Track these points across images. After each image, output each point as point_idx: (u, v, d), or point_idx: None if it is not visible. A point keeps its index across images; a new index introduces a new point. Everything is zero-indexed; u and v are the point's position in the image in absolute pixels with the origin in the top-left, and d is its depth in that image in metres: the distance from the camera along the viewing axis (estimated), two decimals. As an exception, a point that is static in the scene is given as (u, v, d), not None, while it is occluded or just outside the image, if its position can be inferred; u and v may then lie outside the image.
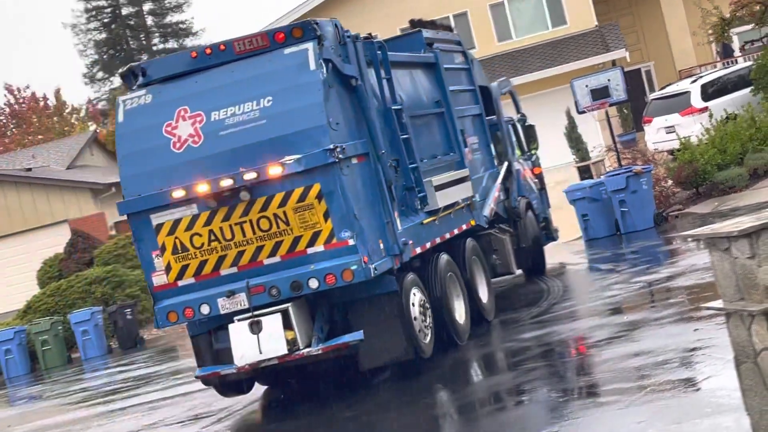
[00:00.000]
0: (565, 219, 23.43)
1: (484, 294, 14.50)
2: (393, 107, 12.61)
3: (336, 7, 35.10)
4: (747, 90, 26.52)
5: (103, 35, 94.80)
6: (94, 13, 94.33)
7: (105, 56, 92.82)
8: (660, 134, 27.05)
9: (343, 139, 11.45)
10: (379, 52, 12.60)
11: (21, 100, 64.65)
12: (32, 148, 48.22)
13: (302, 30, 11.55)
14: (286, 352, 11.21)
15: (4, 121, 64.02)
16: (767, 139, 22.67)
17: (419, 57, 14.58)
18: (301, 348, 11.32)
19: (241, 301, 11.37)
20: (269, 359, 11.28)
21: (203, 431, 12.29)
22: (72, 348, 25.39)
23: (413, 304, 12.13)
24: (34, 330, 24.83)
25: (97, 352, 24.66)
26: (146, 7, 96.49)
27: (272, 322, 11.21)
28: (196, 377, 12.16)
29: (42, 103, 64.31)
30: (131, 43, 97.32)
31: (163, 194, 11.48)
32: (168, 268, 11.63)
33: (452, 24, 30.57)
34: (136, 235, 11.81)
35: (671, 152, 25.04)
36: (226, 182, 11.19)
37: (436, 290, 12.82)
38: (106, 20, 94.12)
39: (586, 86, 22.15)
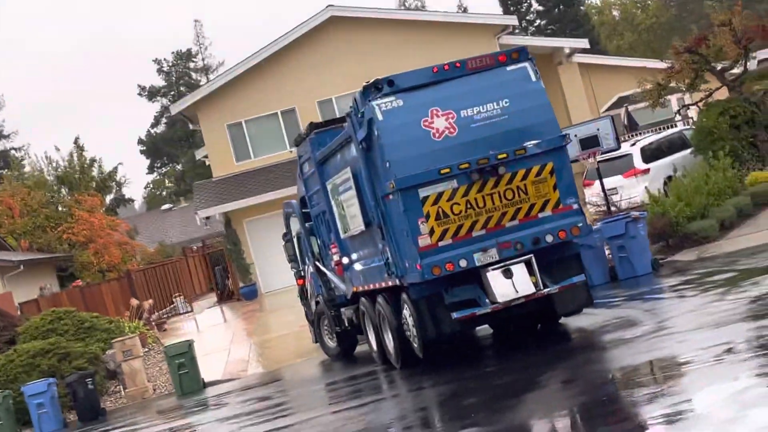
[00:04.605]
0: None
1: None
2: None
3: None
4: (686, 151, 27.77)
5: None
6: None
7: None
8: (602, 196, 27.67)
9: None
10: None
11: None
12: None
13: (519, 53, 15.40)
14: (534, 290, 14.60)
15: None
16: (722, 195, 23.74)
17: None
18: (542, 288, 14.68)
19: (493, 255, 14.58)
20: (520, 297, 14.55)
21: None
22: (25, 423, 23.35)
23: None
24: (-18, 405, 22.72)
25: (54, 425, 22.57)
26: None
27: (520, 270, 14.63)
28: (455, 319, 14.72)
29: None
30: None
31: (432, 172, 14.50)
32: (431, 232, 14.54)
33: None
34: (405, 206, 14.56)
35: (627, 209, 25.66)
36: (484, 161, 14.59)
37: None
38: None
39: (575, 135, 22.54)
